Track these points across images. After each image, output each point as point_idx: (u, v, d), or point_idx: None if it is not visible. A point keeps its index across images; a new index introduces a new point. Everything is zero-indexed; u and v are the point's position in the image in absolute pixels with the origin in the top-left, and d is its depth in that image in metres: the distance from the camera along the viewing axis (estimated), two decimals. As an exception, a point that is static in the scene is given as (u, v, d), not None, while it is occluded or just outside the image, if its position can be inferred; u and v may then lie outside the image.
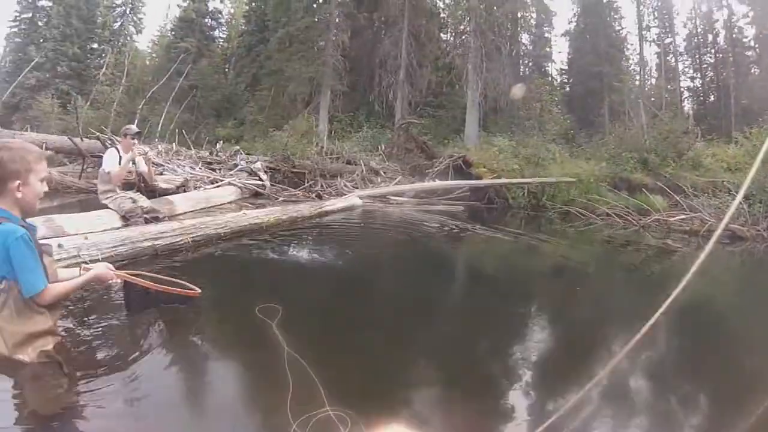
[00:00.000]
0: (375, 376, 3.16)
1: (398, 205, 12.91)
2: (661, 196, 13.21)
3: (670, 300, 1.97)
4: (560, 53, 38.20)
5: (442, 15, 32.09)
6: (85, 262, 3.43)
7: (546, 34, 36.33)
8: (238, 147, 16.55)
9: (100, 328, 3.27)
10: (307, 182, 13.49)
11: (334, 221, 9.36)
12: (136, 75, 36.59)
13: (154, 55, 45.51)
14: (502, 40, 25.68)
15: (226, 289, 4.82)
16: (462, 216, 11.70)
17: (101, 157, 7.90)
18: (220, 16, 42.90)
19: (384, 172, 16.39)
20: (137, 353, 3.03)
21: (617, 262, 8.49)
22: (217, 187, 10.63)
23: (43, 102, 31.30)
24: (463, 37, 28.32)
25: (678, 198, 13.00)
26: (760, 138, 14.68)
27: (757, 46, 32.29)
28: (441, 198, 14.28)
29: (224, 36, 43.24)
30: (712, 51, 34.51)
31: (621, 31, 34.59)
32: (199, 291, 3.36)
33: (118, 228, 5.89)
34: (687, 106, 34.66)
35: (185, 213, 7.98)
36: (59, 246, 4.17)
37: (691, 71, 35.81)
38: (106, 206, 6.49)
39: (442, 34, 32.57)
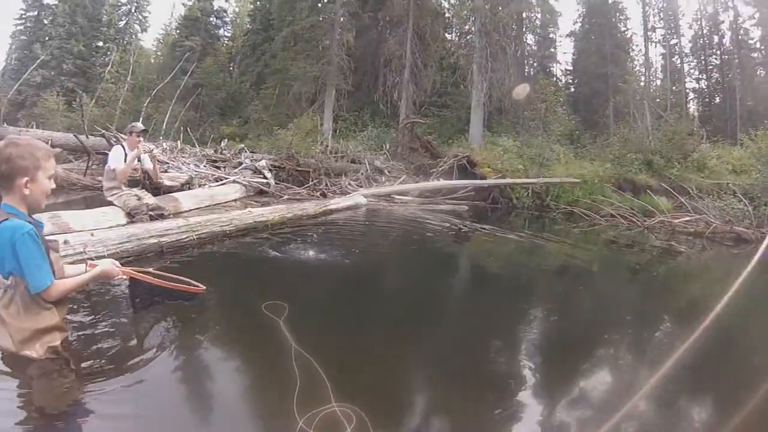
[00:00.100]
0: (381, 373, 3.16)
1: (403, 204, 12.91)
2: (665, 197, 13.21)
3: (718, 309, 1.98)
4: (565, 54, 38.07)
5: (447, 15, 32.00)
6: (91, 259, 3.42)
7: (551, 35, 36.20)
8: (242, 145, 16.58)
9: (105, 325, 3.27)
10: (312, 181, 13.48)
11: (339, 220, 9.35)
12: (141, 73, 36.65)
13: (159, 53, 45.60)
14: (507, 40, 25.55)
15: (232, 286, 4.84)
16: (466, 216, 11.68)
17: (106, 154, 7.94)
18: (225, 14, 42.91)
19: (388, 172, 16.39)
20: (144, 349, 3.04)
21: (622, 263, 8.47)
22: (222, 184, 10.62)
23: (49, 99, 31.41)
24: (468, 37, 28.25)
25: (683, 200, 13.00)
26: (766, 140, 14.66)
27: (762, 47, 32.13)
28: (445, 197, 14.26)
29: (229, 35, 43.20)
30: (718, 52, 34.28)
31: (626, 32, 34.37)
32: (204, 288, 3.36)
33: (123, 225, 5.90)
34: (692, 107, 34.53)
35: (190, 210, 7.98)
36: (65, 242, 4.18)
37: (697, 72, 35.60)
38: (111, 203, 6.51)
39: (446, 34, 32.51)
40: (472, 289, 6.19)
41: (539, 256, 8.38)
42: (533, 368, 3.36)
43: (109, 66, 37.21)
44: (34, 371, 2.47)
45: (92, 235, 4.74)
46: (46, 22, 41.26)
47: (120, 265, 3.00)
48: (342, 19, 28.26)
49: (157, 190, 7.52)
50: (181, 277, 3.37)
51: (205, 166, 12.47)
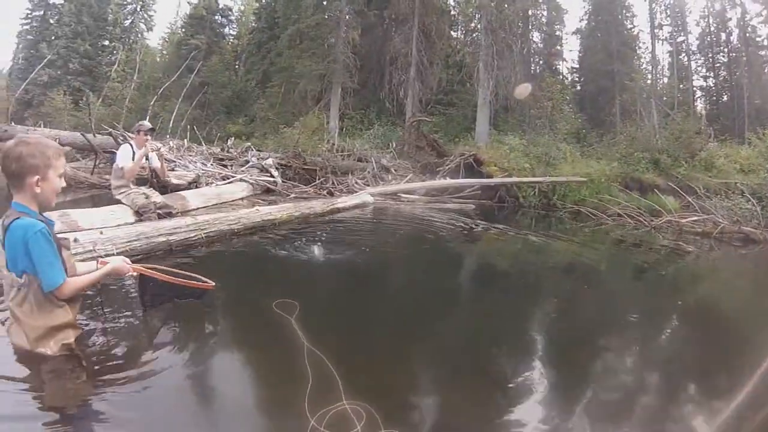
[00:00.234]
0: (391, 370, 3.16)
1: (409, 202, 12.89)
2: (672, 197, 13.12)
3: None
4: (571, 51, 37.96)
5: (452, 12, 31.95)
6: (101, 256, 3.44)
7: (557, 32, 36.06)
8: (249, 143, 16.61)
9: (115, 323, 3.28)
10: (319, 179, 13.48)
11: (346, 218, 9.35)
12: (147, 72, 36.66)
13: (164, 52, 45.64)
14: (513, 38, 25.46)
15: (241, 284, 4.86)
16: (473, 214, 11.66)
17: (113, 152, 7.97)
18: (230, 13, 42.97)
19: (395, 170, 16.36)
20: (154, 348, 3.05)
21: (630, 263, 8.43)
22: (229, 183, 10.64)
23: (56, 98, 31.62)
24: (474, 34, 28.23)
25: (690, 199, 12.93)
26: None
27: (770, 45, 32.00)
28: (452, 196, 14.23)
29: (234, 33, 43.24)
30: (725, 50, 34.09)
31: (633, 30, 34.20)
32: (213, 284, 3.37)
33: (131, 223, 5.92)
34: (699, 105, 34.33)
35: (197, 209, 8.00)
36: (75, 240, 4.19)
37: (704, 70, 35.43)
38: (119, 201, 6.54)
39: (452, 32, 32.41)
40: (481, 287, 6.17)
41: (547, 254, 8.36)
42: (542, 367, 3.36)
43: (116, 65, 37.30)
44: (47, 368, 2.48)
45: (101, 233, 4.76)
46: (52, 21, 41.51)
47: (130, 262, 3.01)
48: (347, 17, 28.24)
49: (164, 188, 7.55)
50: (190, 274, 3.38)
51: (212, 164, 12.49)
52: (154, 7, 46.66)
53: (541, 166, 15.93)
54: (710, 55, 34.84)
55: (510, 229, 9.89)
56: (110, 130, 12.85)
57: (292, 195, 11.59)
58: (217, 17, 41.01)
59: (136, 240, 4.98)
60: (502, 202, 14.77)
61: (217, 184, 10.39)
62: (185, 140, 16.05)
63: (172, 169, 10.41)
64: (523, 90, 23.14)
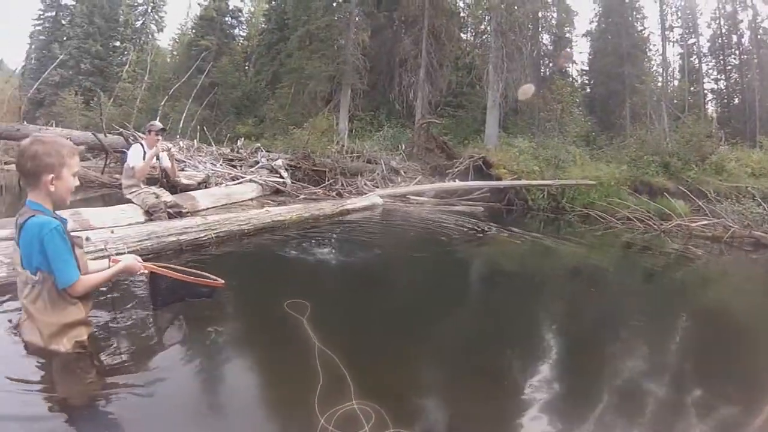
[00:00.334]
0: (401, 371, 3.16)
1: (418, 204, 12.89)
2: (683, 200, 13.02)
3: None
4: (581, 54, 37.78)
5: (462, 14, 31.87)
6: (113, 255, 3.46)
7: (567, 35, 35.91)
8: (258, 144, 16.66)
9: (126, 322, 3.30)
10: (328, 180, 13.51)
11: (355, 220, 9.36)
12: (157, 72, 36.90)
13: (175, 53, 45.87)
14: (523, 40, 25.36)
15: (252, 284, 4.87)
16: (482, 217, 11.63)
17: (124, 152, 8.02)
18: (240, 14, 43.07)
19: (404, 172, 16.36)
20: (164, 346, 3.08)
21: (639, 266, 8.38)
22: (239, 183, 10.68)
23: (67, 98, 31.91)
24: (484, 36, 28.15)
25: (700, 203, 12.82)
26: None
27: (782, 48, 31.74)
28: (461, 198, 14.22)
29: (244, 34, 43.38)
30: (737, 52, 33.79)
31: (643, 32, 33.91)
32: (223, 282, 3.39)
33: (142, 222, 5.96)
34: (710, 108, 34.01)
35: (207, 209, 8.04)
36: (87, 239, 4.23)
37: (715, 73, 35.10)
38: (129, 201, 6.58)
39: (462, 34, 32.30)
40: (493, 289, 6.16)
41: (557, 257, 8.34)
42: (550, 370, 3.37)
43: (126, 65, 37.64)
44: (59, 365, 2.51)
45: (112, 232, 4.80)
46: (64, 22, 41.95)
47: (142, 261, 3.04)
48: (357, 19, 28.28)
49: (174, 188, 7.60)
50: (200, 272, 3.41)
51: (221, 164, 12.56)
52: (164, 8, 47.21)
53: (550, 169, 15.86)
54: (721, 58, 34.54)
55: (520, 232, 9.85)
56: (121, 129, 12.97)
57: (302, 196, 11.61)
58: (227, 18, 41.16)
59: (146, 239, 5.02)
60: (511, 204, 14.73)
61: (226, 185, 10.43)
62: (195, 140, 16.16)
63: (182, 170, 10.47)
64: (527, 90, 23.06)
